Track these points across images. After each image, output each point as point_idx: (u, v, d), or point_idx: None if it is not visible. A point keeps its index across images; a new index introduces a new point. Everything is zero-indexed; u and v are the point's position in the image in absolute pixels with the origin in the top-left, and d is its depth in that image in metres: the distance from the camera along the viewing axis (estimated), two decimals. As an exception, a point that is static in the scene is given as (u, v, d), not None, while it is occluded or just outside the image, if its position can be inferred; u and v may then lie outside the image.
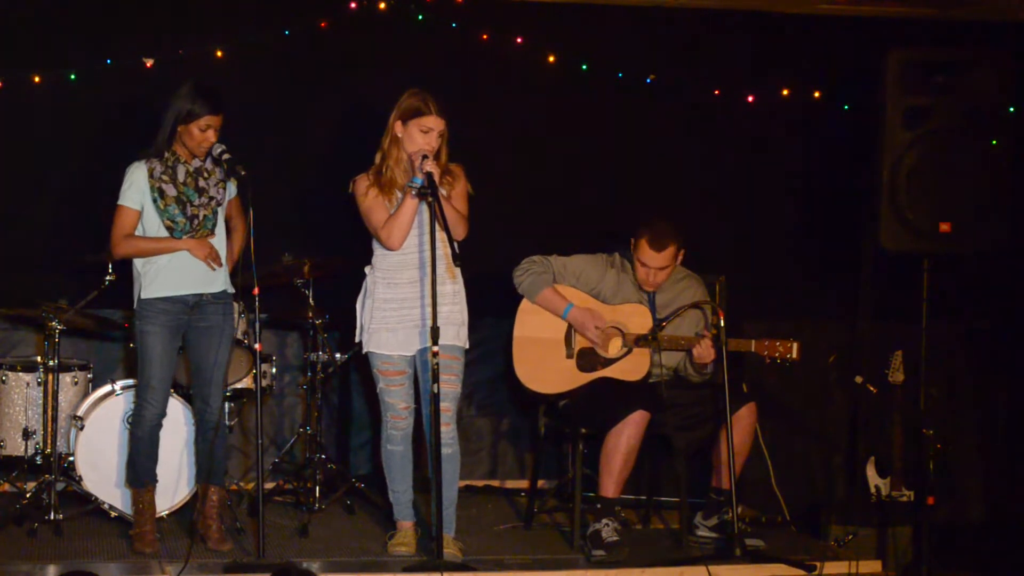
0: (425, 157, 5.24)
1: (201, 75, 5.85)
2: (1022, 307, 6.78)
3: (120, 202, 5.37)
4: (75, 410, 5.89)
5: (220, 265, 5.45)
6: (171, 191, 5.35)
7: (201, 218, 5.39)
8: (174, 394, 5.72)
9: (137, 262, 5.42)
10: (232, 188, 5.52)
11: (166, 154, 5.36)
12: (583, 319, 5.76)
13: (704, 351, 5.66)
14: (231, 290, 5.52)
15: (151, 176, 5.34)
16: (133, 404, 5.57)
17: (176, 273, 5.38)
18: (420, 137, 5.31)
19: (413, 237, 5.39)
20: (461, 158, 5.48)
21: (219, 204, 5.45)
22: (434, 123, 5.31)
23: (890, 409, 6.13)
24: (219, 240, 5.47)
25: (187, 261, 5.39)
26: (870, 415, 6.43)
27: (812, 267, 6.87)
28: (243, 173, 5.30)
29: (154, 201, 5.34)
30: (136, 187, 5.35)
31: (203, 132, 5.32)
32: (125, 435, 5.78)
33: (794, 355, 5.59)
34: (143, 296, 5.39)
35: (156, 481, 5.57)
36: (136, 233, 5.39)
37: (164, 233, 5.37)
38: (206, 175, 5.42)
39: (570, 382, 5.81)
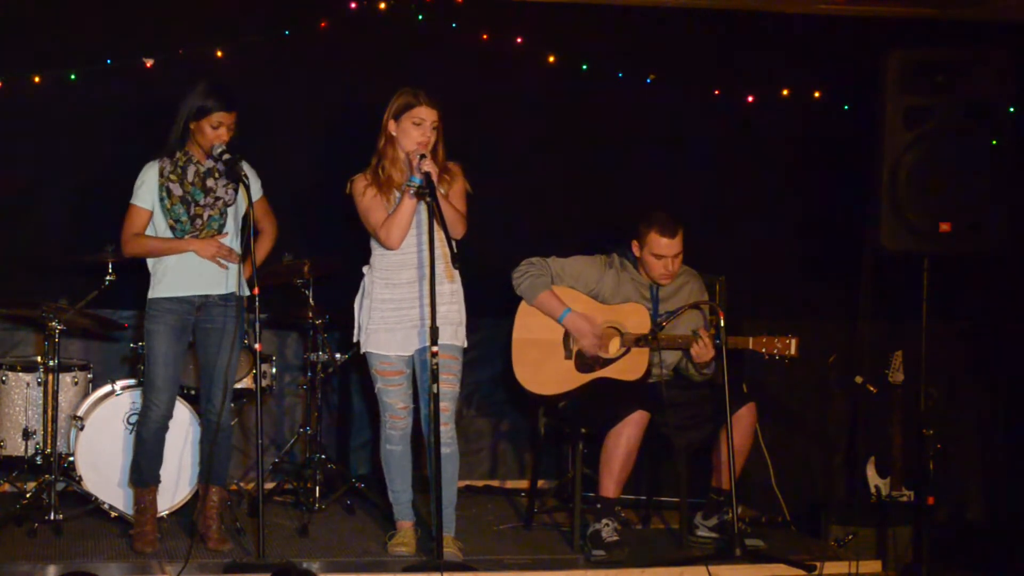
0: (423, 156, 5.24)
1: (202, 75, 5.85)
2: (1022, 307, 6.78)
3: (132, 201, 5.38)
4: (75, 410, 5.89)
5: (235, 263, 5.43)
6: (177, 190, 5.35)
7: (205, 218, 5.38)
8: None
9: (149, 261, 5.43)
10: (258, 188, 5.51)
11: (178, 153, 5.36)
12: (580, 326, 5.76)
13: (701, 349, 5.67)
14: (241, 292, 5.50)
15: (161, 175, 5.35)
16: (140, 404, 5.56)
17: (183, 274, 5.38)
18: (414, 130, 5.31)
19: (411, 237, 5.39)
20: (460, 158, 5.48)
21: (227, 205, 5.44)
22: (425, 113, 5.30)
23: (890, 409, 6.13)
24: (231, 241, 5.45)
25: (195, 262, 5.39)
26: (870, 415, 6.43)
27: (812, 267, 6.87)
28: (243, 173, 5.30)
29: (161, 200, 5.35)
30: (147, 187, 5.36)
31: (215, 129, 5.32)
32: (125, 435, 5.78)
33: (792, 351, 5.59)
34: (150, 296, 5.40)
35: (159, 481, 5.57)
36: (147, 233, 5.39)
37: (169, 232, 5.37)
38: (216, 175, 5.41)
39: (569, 383, 5.82)
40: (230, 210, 5.45)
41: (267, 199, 5.59)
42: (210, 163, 5.39)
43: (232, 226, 5.46)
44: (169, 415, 5.48)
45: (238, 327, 5.46)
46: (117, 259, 5.69)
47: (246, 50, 6.37)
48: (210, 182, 5.39)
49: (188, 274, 5.39)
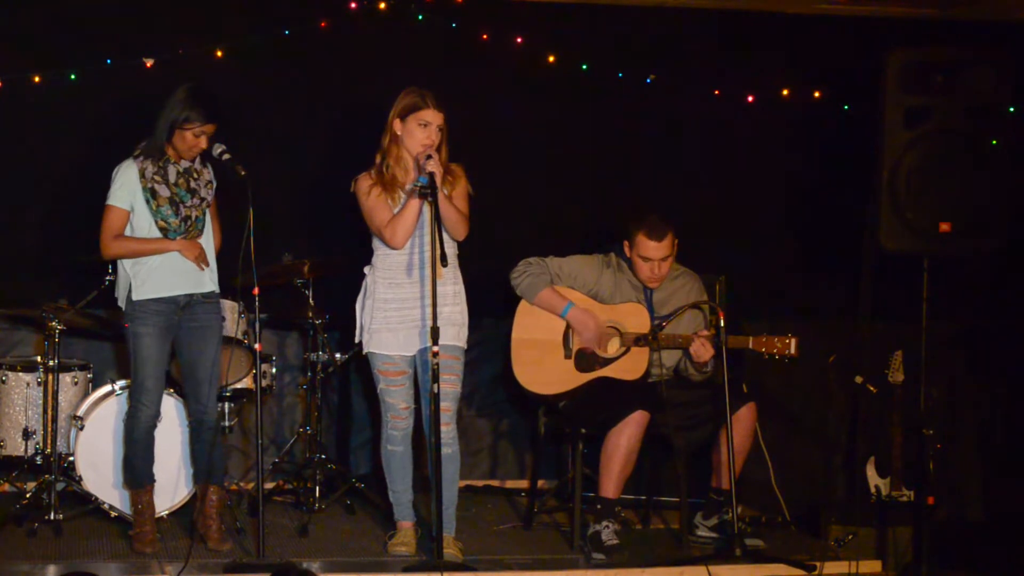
0: (428, 156, 5.24)
1: (200, 76, 5.87)
2: (1022, 307, 6.77)
3: (110, 202, 5.36)
4: (75, 410, 5.89)
5: (208, 265, 5.45)
6: (164, 192, 5.35)
7: (193, 219, 5.40)
8: (172, 393, 5.73)
9: (126, 263, 5.41)
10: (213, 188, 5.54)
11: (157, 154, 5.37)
12: (583, 319, 5.77)
13: (700, 349, 5.67)
14: (219, 290, 5.53)
15: (142, 176, 5.34)
16: (127, 406, 5.56)
17: (167, 274, 5.38)
18: (419, 132, 5.32)
19: (415, 237, 5.39)
20: (460, 158, 5.49)
21: (208, 205, 5.46)
22: (432, 116, 5.31)
23: (890, 409, 6.12)
24: (206, 240, 5.48)
25: (177, 262, 5.39)
26: (870, 415, 6.42)
27: (812, 267, 6.87)
28: (243, 173, 5.30)
29: (146, 202, 5.34)
30: (127, 187, 5.34)
31: (196, 138, 5.32)
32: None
33: (792, 351, 5.59)
34: (134, 297, 5.38)
35: (154, 481, 5.57)
36: (126, 233, 5.39)
37: (156, 234, 5.36)
38: (196, 176, 5.42)
39: (569, 382, 5.82)
40: (208, 210, 5.46)
41: (265, 199, 5.59)
42: (185, 163, 5.39)
43: (208, 226, 5.48)
44: (158, 414, 5.49)
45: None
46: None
47: (246, 50, 6.37)
48: (192, 183, 5.40)
49: (172, 274, 5.39)
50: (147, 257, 5.37)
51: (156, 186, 5.34)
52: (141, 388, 5.42)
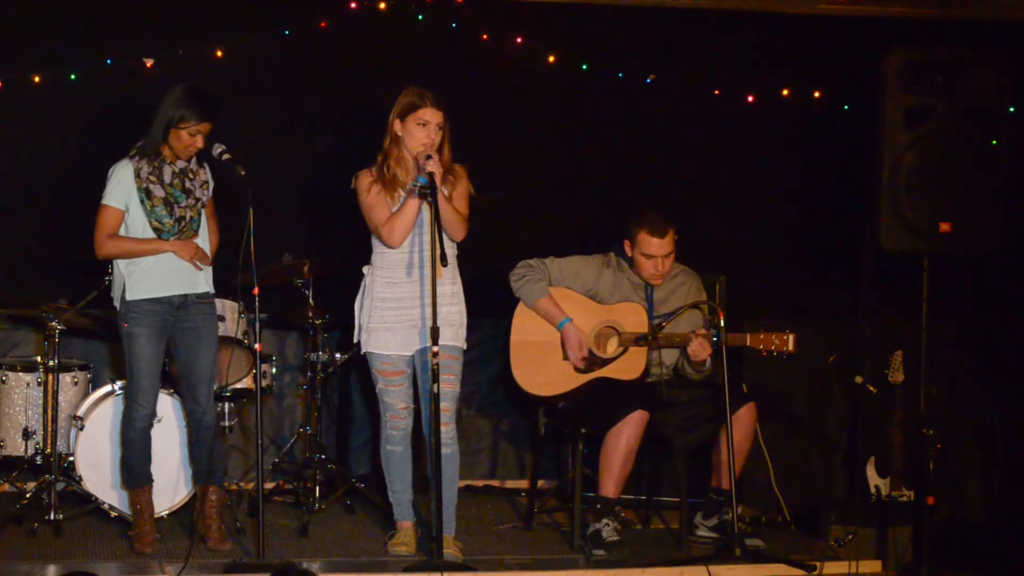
0: (429, 157, 5.25)
1: (200, 76, 5.87)
2: (1022, 307, 6.77)
3: (105, 201, 5.36)
4: (75, 410, 5.89)
5: (208, 264, 5.45)
6: (159, 192, 5.34)
7: (188, 219, 5.40)
8: (172, 393, 5.73)
9: (120, 263, 5.41)
10: (210, 188, 5.53)
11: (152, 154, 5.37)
12: (573, 340, 5.76)
13: (698, 347, 5.67)
14: (213, 290, 5.53)
15: (137, 176, 5.34)
16: (123, 406, 5.56)
17: (161, 274, 5.38)
18: (419, 131, 5.32)
19: (414, 236, 5.39)
20: (460, 158, 5.49)
21: (203, 205, 5.46)
22: (431, 115, 5.32)
23: (890, 409, 6.12)
24: (202, 240, 5.47)
25: (172, 262, 5.39)
26: (870, 415, 6.41)
27: (812, 267, 6.87)
28: (243, 173, 5.30)
29: (141, 202, 5.34)
30: (121, 187, 5.34)
31: (192, 137, 5.32)
32: (125, 435, 5.78)
33: (790, 347, 5.59)
34: (129, 298, 5.38)
35: (152, 481, 5.57)
36: (121, 233, 5.39)
37: (150, 234, 5.36)
38: (191, 176, 5.42)
39: (568, 383, 5.82)
40: (203, 210, 5.46)
41: (265, 199, 5.59)
42: (181, 163, 5.39)
43: (203, 227, 5.48)
44: (155, 413, 5.49)
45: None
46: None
47: (246, 50, 6.37)
48: (187, 183, 5.40)
49: (167, 275, 5.39)
50: (141, 257, 5.37)
51: (151, 186, 5.34)
52: (137, 388, 5.42)
